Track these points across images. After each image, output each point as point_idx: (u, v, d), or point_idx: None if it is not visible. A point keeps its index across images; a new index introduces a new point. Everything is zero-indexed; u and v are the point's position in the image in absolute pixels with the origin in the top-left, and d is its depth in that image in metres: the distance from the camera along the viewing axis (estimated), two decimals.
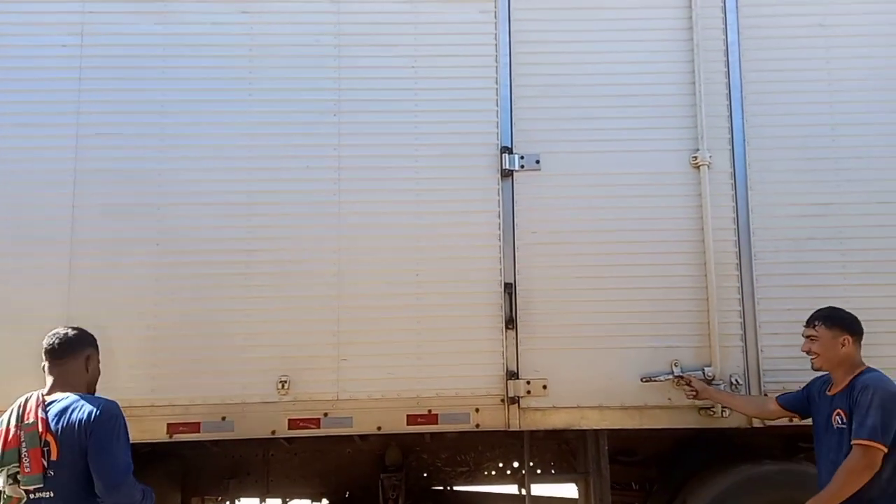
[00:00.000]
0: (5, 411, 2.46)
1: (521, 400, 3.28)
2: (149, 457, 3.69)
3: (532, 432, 3.56)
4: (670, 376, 3.26)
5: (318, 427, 3.25)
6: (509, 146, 3.40)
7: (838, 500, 2.54)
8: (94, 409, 2.35)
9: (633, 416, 3.29)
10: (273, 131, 3.38)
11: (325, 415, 3.25)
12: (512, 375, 3.29)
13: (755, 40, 3.46)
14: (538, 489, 4.14)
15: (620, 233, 3.36)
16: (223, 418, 3.24)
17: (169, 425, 3.24)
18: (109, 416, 2.37)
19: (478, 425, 3.29)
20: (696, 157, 3.38)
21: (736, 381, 3.29)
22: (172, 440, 3.26)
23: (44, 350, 2.49)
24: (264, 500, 4.10)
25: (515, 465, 4.11)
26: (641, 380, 3.27)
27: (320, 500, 4.15)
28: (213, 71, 3.42)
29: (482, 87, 3.44)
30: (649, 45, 3.47)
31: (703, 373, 3.27)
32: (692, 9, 3.47)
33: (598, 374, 3.30)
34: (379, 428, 3.27)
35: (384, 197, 3.37)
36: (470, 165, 3.41)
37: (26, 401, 2.43)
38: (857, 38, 3.46)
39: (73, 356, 2.49)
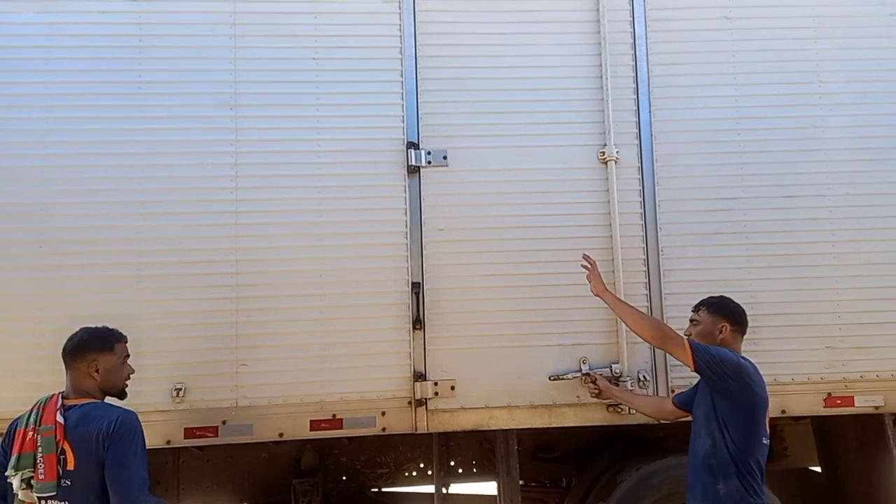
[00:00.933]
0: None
1: (428, 402, 3.21)
2: None
3: (451, 433, 3.52)
4: (578, 374, 3.23)
5: (217, 436, 3.12)
6: (416, 141, 3.31)
7: (621, 313, 2.88)
8: (113, 421, 2.29)
9: (541, 415, 3.26)
10: (165, 126, 3.22)
11: (224, 422, 3.11)
12: (419, 377, 3.21)
13: (662, 33, 3.44)
14: (460, 488, 4.12)
15: (528, 229, 3.30)
16: None
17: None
18: (127, 430, 2.30)
19: (384, 429, 3.20)
20: (603, 153, 3.34)
21: (643, 377, 3.28)
22: None
23: None
24: None
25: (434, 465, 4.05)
26: (550, 378, 3.24)
27: None
28: (101, 62, 3.23)
29: (387, 80, 3.33)
30: (557, 37, 3.41)
31: (611, 370, 3.25)
32: (599, 1, 3.42)
33: (506, 373, 3.25)
34: (281, 434, 3.15)
35: (285, 194, 3.24)
36: (375, 161, 3.30)
37: (46, 401, 2.38)
38: (762, 32, 3.46)
39: (80, 360, 2.43)
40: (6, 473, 2.32)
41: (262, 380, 3.13)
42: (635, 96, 3.40)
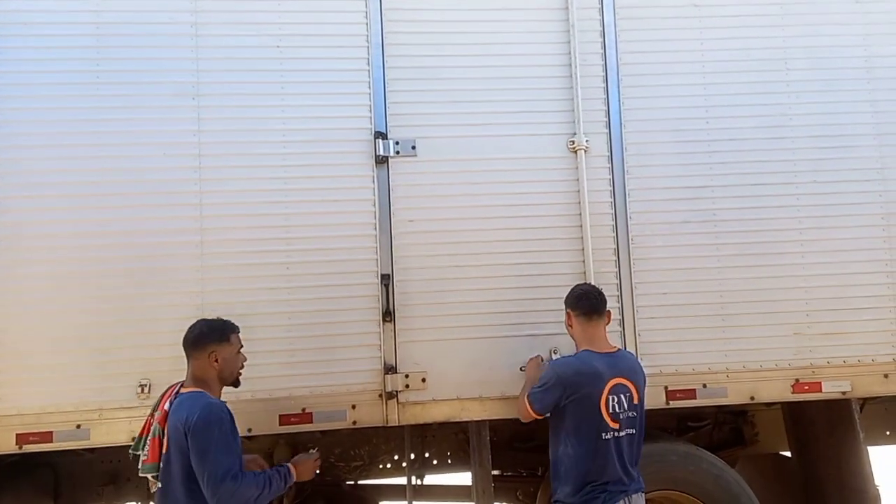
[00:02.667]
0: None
1: (399, 394, 3.18)
2: (15, 467, 3.46)
3: (426, 424, 3.50)
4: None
5: None
6: (384, 131, 3.26)
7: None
8: (194, 414, 2.39)
9: (513, 406, 3.21)
10: (125, 116, 3.14)
11: None
12: (390, 369, 3.18)
13: (631, 21, 3.42)
14: (436, 479, 4.11)
15: (498, 220, 3.28)
16: (78, 426, 3.02)
17: (18, 435, 3.00)
18: (206, 421, 2.39)
19: (355, 422, 3.18)
20: (573, 142, 3.33)
21: None
22: (22, 451, 3.02)
23: None
24: None
25: (412, 456, 4.04)
26: (521, 369, 3.21)
27: None
28: (55, 51, 3.14)
29: (354, 68, 3.28)
30: (526, 25, 3.38)
31: None
32: None
33: (478, 364, 3.23)
34: (249, 430, 3.11)
35: (250, 185, 3.18)
36: (342, 151, 3.25)
37: (168, 389, 2.62)
38: (729, 19, 3.46)
39: (200, 350, 2.58)
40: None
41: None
42: (605, 85, 3.38)
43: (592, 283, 3.06)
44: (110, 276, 3.07)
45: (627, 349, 3.27)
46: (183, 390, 2.57)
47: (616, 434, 2.71)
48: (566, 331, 2.97)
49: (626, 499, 2.71)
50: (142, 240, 3.11)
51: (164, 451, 2.45)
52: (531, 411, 2.81)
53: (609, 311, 2.93)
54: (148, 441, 2.51)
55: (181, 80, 3.18)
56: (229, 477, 2.35)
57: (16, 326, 3.02)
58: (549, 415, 2.82)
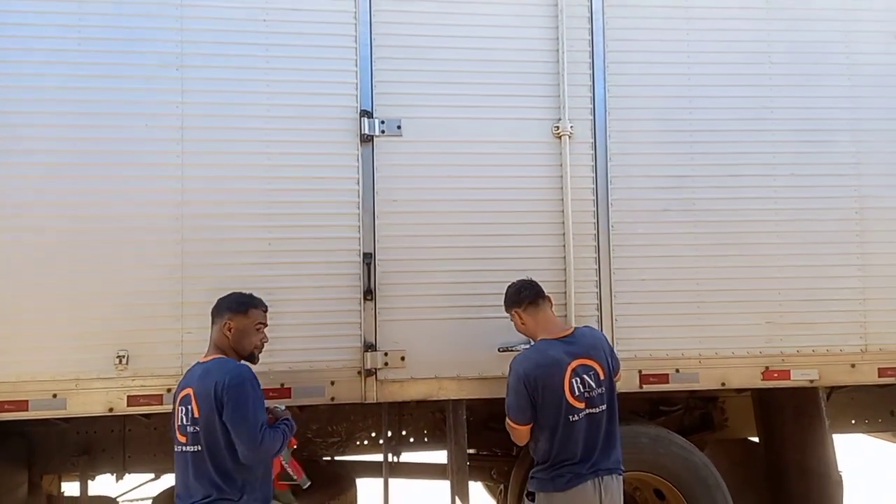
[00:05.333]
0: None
1: (378, 372, 3.22)
2: None
3: (404, 402, 3.54)
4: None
5: (161, 404, 3.07)
6: (369, 110, 3.26)
7: None
8: (226, 376, 2.48)
9: (490, 386, 3.29)
10: (107, 84, 3.10)
11: (169, 390, 3.05)
12: (370, 347, 3.21)
13: (619, 8, 3.43)
14: (412, 457, 4.16)
15: (481, 202, 3.31)
16: (54, 395, 3.02)
17: None
18: (241, 382, 2.49)
19: (333, 398, 3.21)
20: (557, 127, 3.35)
21: None
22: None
23: None
24: (122, 477, 3.92)
25: (390, 434, 4.08)
26: (499, 350, 3.27)
27: None
28: (37, 16, 3.07)
29: (341, 45, 3.26)
30: (514, 8, 3.38)
31: None
32: None
33: (456, 344, 3.27)
34: None
35: (233, 160, 3.17)
36: (327, 129, 3.24)
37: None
38: (716, 11, 3.49)
39: (218, 318, 2.68)
40: None
41: (206, 347, 3.08)
42: (591, 72, 3.40)
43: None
44: (89, 246, 3.05)
45: (603, 332, 3.33)
46: (204, 359, 2.63)
47: (585, 413, 2.75)
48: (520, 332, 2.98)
49: (597, 480, 2.74)
50: (121, 210, 3.08)
51: (195, 415, 2.49)
52: (516, 426, 2.80)
53: (549, 295, 2.96)
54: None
55: (165, 51, 3.14)
56: (262, 430, 2.49)
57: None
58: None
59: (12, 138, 3.04)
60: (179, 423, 2.55)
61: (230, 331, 2.66)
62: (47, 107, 3.06)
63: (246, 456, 2.49)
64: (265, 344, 2.78)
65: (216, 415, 2.46)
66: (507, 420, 2.84)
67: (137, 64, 3.12)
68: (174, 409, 2.62)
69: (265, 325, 2.77)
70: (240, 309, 2.69)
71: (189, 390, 2.54)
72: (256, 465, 2.55)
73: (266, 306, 2.79)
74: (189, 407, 2.51)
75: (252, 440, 2.47)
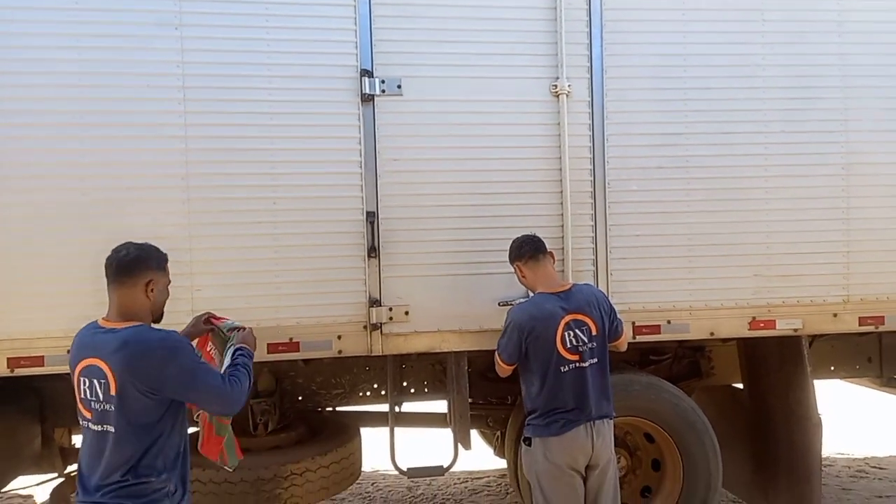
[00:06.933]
0: None
1: (383, 326, 3.33)
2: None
3: (405, 355, 3.67)
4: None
5: None
6: (369, 69, 3.28)
7: None
8: (157, 346, 2.15)
9: (490, 339, 3.38)
10: (106, 44, 3.08)
11: None
12: (374, 303, 3.31)
13: None
14: (413, 407, 4.33)
15: (481, 161, 3.38)
16: (68, 351, 3.09)
17: (9, 359, 3.08)
18: (176, 348, 2.19)
19: (340, 352, 3.32)
20: (555, 86, 3.39)
21: None
22: (14, 374, 3.10)
23: (104, 268, 2.27)
24: None
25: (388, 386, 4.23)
26: (499, 304, 3.38)
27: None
28: None
29: (340, 3, 3.25)
30: None
31: None
32: None
33: (458, 299, 3.38)
34: None
35: (235, 119, 3.19)
36: (328, 88, 3.26)
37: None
38: None
39: (132, 278, 2.23)
40: None
41: (217, 304, 3.13)
42: (588, 30, 3.43)
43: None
44: (96, 206, 3.09)
45: (598, 286, 3.46)
46: (109, 324, 2.23)
47: (576, 365, 2.93)
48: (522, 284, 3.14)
49: (589, 424, 2.93)
50: (125, 171, 3.11)
51: (112, 392, 2.12)
52: (502, 363, 3.05)
53: (551, 251, 3.12)
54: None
55: (163, 9, 3.12)
56: (226, 380, 2.28)
57: (2, 255, 3.05)
58: None
59: (13, 98, 3.04)
60: (83, 397, 2.20)
61: (152, 291, 2.27)
62: (48, 66, 3.05)
63: (223, 412, 2.38)
64: None
65: (147, 395, 2.13)
66: (496, 355, 3.07)
67: (138, 23, 3.10)
68: (74, 378, 2.26)
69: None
70: (160, 266, 2.33)
71: (98, 362, 2.15)
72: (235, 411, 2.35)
73: None
74: (102, 381, 2.13)
75: (223, 398, 2.25)
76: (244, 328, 2.67)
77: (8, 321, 3.05)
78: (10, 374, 3.08)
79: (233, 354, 2.48)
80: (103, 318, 2.29)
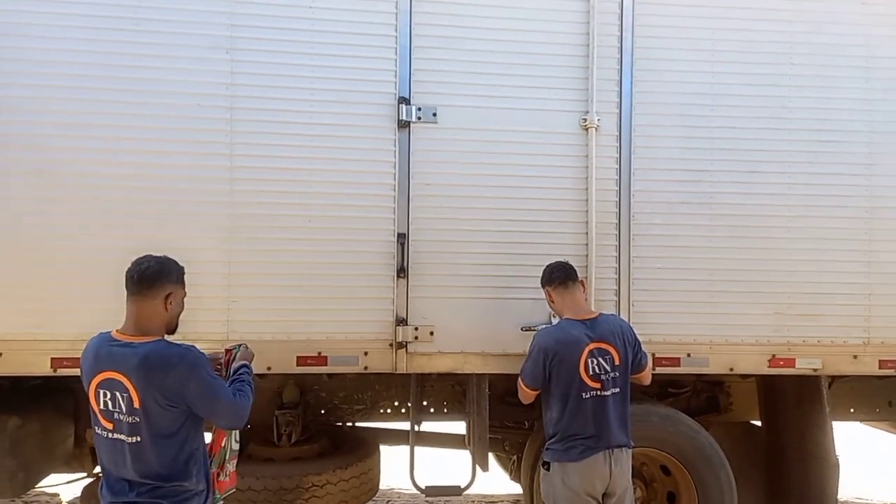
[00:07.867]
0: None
1: (408, 345, 3.43)
2: (36, 391, 3.67)
3: (426, 375, 3.75)
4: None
5: None
6: (407, 97, 3.43)
7: None
8: (177, 361, 2.20)
9: (513, 363, 3.47)
10: (162, 65, 3.28)
11: None
12: (401, 322, 3.41)
13: (648, 6, 3.57)
14: (431, 426, 4.40)
15: (510, 189, 3.49)
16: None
17: (53, 360, 3.23)
18: (196, 364, 2.23)
19: (366, 368, 3.42)
20: (585, 119, 3.51)
21: None
22: (56, 374, 3.24)
23: (125, 279, 2.30)
24: None
25: (409, 404, 4.31)
26: (522, 329, 3.47)
27: None
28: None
29: (381, 33, 3.42)
30: (547, 3, 3.52)
31: None
32: None
33: (482, 322, 3.47)
34: (269, 368, 3.34)
35: (278, 140, 3.35)
36: (367, 114, 3.42)
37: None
38: (740, 12, 3.61)
39: (153, 290, 2.27)
40: None
41: (252, 316, 3.31)
42: (619, 67, 3.55)
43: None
44: (143, 218, 3.26)
45: (620, 316, 3.51)
46: (126, 338, 2.26)
47: (598, 394, 2.97)
48: (550, 308, 3.22)
49: (608, 452, 2.97)
50: (174, 185, 3.28)
51: (136, 406, 2.18)
52: (525, 388, 3.09)
53: (583, 279, 3.21)
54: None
55: (216, 34, 3.31)
56: (236, 395, 2.36)
57: (51, 261, 3.21)
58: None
59: (70, 112, 3.23)
60: (103, 408, 2.24)
61: (171, 304, 2.33)
62: (104, 83, 3.25)
63: (231, 425, 2.46)
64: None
65: (167, 408, 2.20)
66: (519, 380, 3.12)
67: (190, 45, 3.30)
68: (90, 389, 2.29)
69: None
70: (179, 279, 2.37)
71: (118, 376, 2.20)
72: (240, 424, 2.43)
73: None
74: (124, 395, 2.19)
75: (234, 412, 2.32)
76: (244, 344, 2.75)
77: (53, 323, 3.21)
78: (53, 374, 3.22)
79: (237, 370, 2.54)
80: (117, 331, 2.32)
